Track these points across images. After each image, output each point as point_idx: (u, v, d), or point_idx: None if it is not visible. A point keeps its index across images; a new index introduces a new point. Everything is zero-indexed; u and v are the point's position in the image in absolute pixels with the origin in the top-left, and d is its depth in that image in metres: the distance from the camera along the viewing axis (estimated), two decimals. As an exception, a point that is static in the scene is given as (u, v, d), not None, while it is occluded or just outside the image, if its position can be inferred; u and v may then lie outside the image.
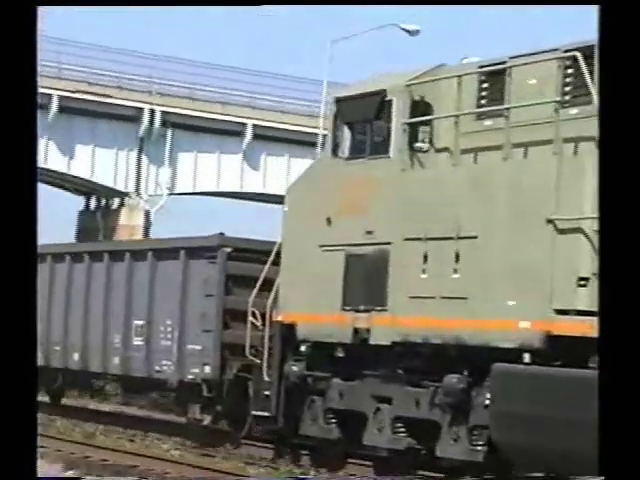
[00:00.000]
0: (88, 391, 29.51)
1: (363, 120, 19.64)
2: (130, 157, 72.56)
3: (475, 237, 17.23)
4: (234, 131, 73.53)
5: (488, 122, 17.89)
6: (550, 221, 16.04)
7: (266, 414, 21.19)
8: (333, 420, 20.25)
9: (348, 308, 19.22)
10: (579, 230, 15.90)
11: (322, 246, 19.83)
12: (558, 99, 16.72)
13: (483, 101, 17.99)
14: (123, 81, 72.50)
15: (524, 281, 16.36)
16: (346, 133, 20.03)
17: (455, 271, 17.53)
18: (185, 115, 72.57)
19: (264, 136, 74.44)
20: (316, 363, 20.41)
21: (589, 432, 14.54)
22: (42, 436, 22.86)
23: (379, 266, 18.81)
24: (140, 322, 24.83)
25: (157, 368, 24.26)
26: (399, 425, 19.02)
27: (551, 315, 16.02)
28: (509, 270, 16.67)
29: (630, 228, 7.03)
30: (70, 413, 28.60)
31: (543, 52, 17.32)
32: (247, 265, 23.13)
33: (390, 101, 18.99)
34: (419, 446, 19.04)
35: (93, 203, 74.10)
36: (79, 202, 76.07)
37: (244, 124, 72.82)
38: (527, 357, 16.25)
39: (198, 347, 23.21)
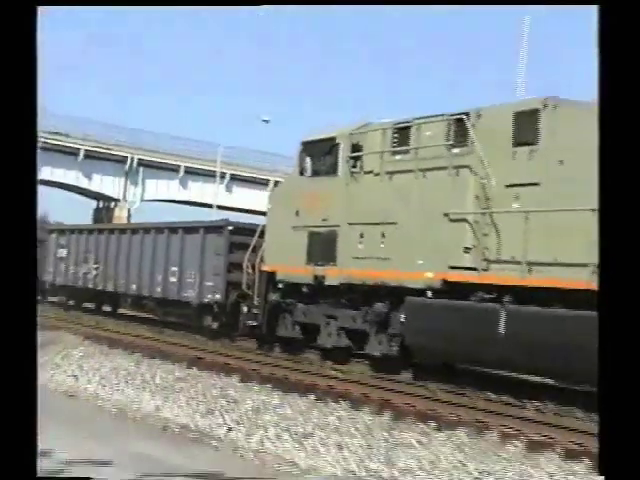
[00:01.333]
0: (139, 307, 28.65)
1: (320, 154, 19.54)
2: (120, 181, 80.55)
3: (395, 223, 17.17)
4: (174, 168, 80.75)
5: (399, 157, 17.83)
6: (446, 214, 16.04)
7: (255, 323, 21.38)
8: (297, 328, 20.24)
9: (310, 263, 19.23)
10: (464, 220, 15.96)
11: (293, 227, 19.74)
12: (449, 142, 16.50)
13: (396, 144, 17.84)
14: (119, 141, 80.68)
15: (429, 249, 16.31)
16: (308, 162, 19.86)
17: (382, 243, 17.49)
18: (149, 160, 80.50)
19: (191, 171, 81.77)
20: (287, 294, 20.29)
21: (465, 338, 14.98)
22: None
23: (331, 239, 18.77)
24: (174, 268, 24.73)
25: (184, 294, 24.20)
26: (341, 333, 18.92)
27: (446, 269, 16.05)
28: (419, 243, 16.57)
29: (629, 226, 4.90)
30: (122, 318, 28.33)
31: (435, 116, 17.21)
32: (241, 237, 22.82)
33: (338, 144, 18.97)
34: (353, 345, 19.03)
35: (101, 204, 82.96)
36: (93, 204, 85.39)
37: (179, 165, 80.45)
38: (429, 293, 16.26)
39: (211, 283, 23.07)
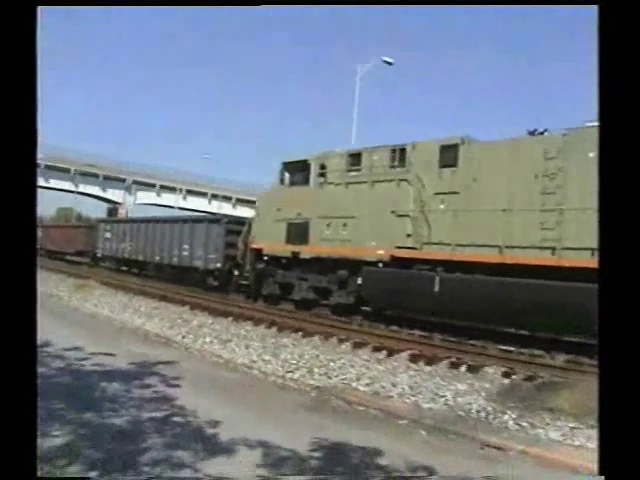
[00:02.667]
0: (159, 271, 25.04)
1: (296, 171, 17.14)
2: (121, 192, 76.25)
3: (354, 217, 15.19)
4: (153, 185, 77.01)
5: (353, 173, 15.52)
6: (393, 211, 14.17)
7: (247, 283, 18.88)
8: (277, 287, 17.83)
9: (289, 244, 16.88)
10: (406, 215, 14.05)
11: (276, 219, 17.29)
12: (393, 164, 14.55)
13: (352, 164, 15.56)
14: (121, 169, 76.74)
15: (381, 235, 14.34)
16: (287, 176, 17.52)
17: (344, 230, 15.37)
18: (139, 180, 76.41)
19: (163, 186, 77.31)
20: (270, 264, 17.79)
21: (409, 293, 13.33)
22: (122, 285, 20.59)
23: (304, 227, 16.43)
24: (186, 246, 21.89)
25: (194, 263, 21.44)
26: (310, 290, 16.72)
27: (394, 248, 14.10)
28: (372, 230, 14.61)
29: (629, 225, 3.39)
30: (146, 278, 25.02)
31: (382, 146, 15.08)
32: (233, 225, 20.31)
33: (310, 164, 16.69)
34: (319, 298, 16.80)
35: (111, 206, 73.92)
36: (106, 205, 76.24)
37: (155, 184, 76.65)
38: (381, 265, 14.38)
39: (213, 256, 20.32)
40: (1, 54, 3.33)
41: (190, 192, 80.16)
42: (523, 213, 12.25)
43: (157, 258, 23.45)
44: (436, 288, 13.19)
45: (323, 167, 16.62)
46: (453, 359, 11.14)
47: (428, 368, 10.73)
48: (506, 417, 7.99)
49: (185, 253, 22.04)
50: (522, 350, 12.08)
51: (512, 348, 12.26)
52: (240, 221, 20.56)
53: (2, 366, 3.25)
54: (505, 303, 11.89)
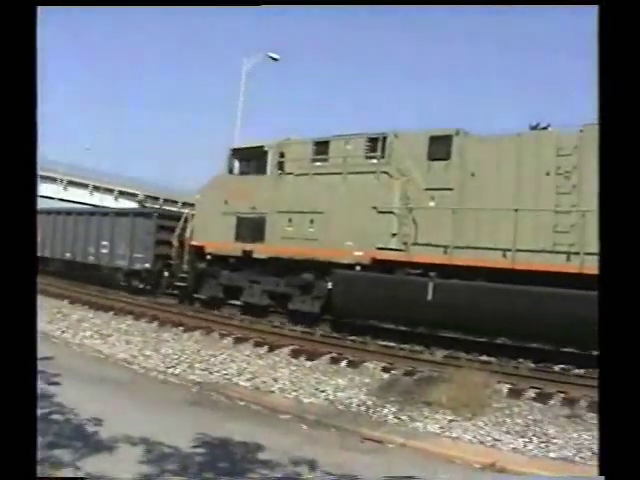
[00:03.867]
0: (69, 270, 21.74)
1: (248, 159, 15.24)
2: None
3: (322, 212, 13.52)
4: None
5: (319, 163, 14.04)
6: (374, 207, 12.76)
7: (183, 284, 16.67)
8: (220, 289, 15.90)
9: (239, 241, 14.98)
10: (391, 212, 12.71)
11: (222, 213, 15.30)
12: (369, 155, 13.24)
13: (318, 153, 14.06)
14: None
15: (358, 234, 12.80)
16: (236, 164, 15.56)
17: (310, 227, 13.70)
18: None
19: (46, 177, 63.75)
20: (213, 264, 15.82)
21: (386, 302, 12.14)
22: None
23: (259, 223, 14.58)
24: (105, 243, 19.17)
25: (116, 262, 18.77)
26: (264, 294, 14.88)
27: (374, 250, 12.66)
28: (347, 228, 13.04)
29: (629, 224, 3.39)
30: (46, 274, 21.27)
31: (355, 134, 13.67)
32: (164, 221, 17.93)
33: (267, 151, 14.86)
34: (273, 303, 15.10)
35: None
36: None
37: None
38: (358, 268, 12.93)
39: (141, 255, 17.73)
40: (1, 54, 3.35)
41: (71, 183, 74.45)
42: (532, 214, 11.25)
43: (67, 255, 20.21)
44: (429, 296, 11.98)
45: (282, 155, 15.03)
46: (334, 354, 11.48)
47: (309, 363, 10.99)
48: (386, 411, 8.34)
49: (104, 251, 19.12)
50: (402, 346, 12.48)
51: (392, 344, 12.66)
52: (173, 215, 18.10)
53: (2, 366, 3.26)
54: (515, 314, 10.97)
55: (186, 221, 16.79)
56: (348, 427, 7.55)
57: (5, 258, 3.29)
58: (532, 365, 11.09)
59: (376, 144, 13.49)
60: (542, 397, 9.10)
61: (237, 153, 15.65)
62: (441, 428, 7.68)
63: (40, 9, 3.48)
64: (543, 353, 11.65)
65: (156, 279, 18.01)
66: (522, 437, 7.46)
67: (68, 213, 20.20)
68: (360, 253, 13.04)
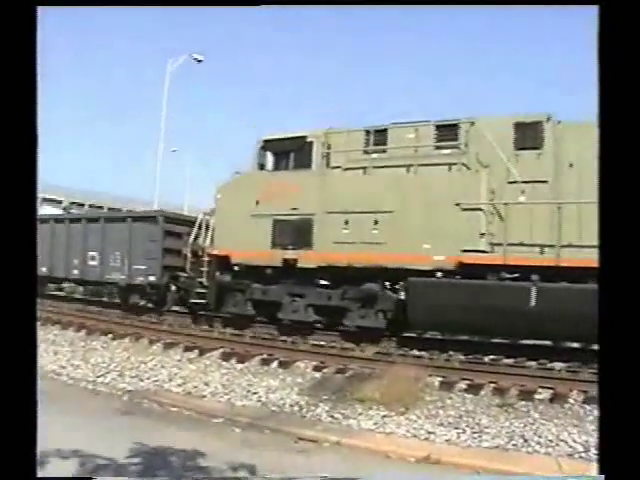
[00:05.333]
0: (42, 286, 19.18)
1: (286, 151, 13.91)
2: None
3: (391, 212, 12.45)
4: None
5: (376, 155, 13.02)
6: (457, 204, 11.84)
7: (202, 301, 15.03)
8: (249, 305, 14.53)
9: (276, 248, 13.70)
10: (478, 209, 11.85)
11: (252, 216, 13.91)
12: (443, 144, 12.47)
13: (374, 143, 13.06)
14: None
15: (438, 235, 11.85)
16: (269, 158, 14.18)
17: (374, 229, 12.57)
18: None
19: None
20: (240, 277, 14.45)
21: (478, 312, 11.44)
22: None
23: (304, 226, 13.34)
24: (94, 254, 17.33)
25: (109, 276, 16.86)
26: (310, 309, 13.75)
27: (459, 252, 11.77)
28: (424, 229, 12.05)
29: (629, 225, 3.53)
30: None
31: (423, 122, 12.81)
32: (175, 226, 16.45)
33: (311, 142, 13.61)
34: (320, 319, 13.97)
35: None
36: None
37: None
38: (439, 274, 11.94)
39: (144, 267, 15.94)
40: (1, 54, 3.48)
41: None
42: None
43: (43, 270, 17.61)
44: (532, 303, 11.39)
45: (329, 147, 13.97)
46: (264, 356, 11.91)
47: (240, 366, 11.41)
48: (319, 410, 8.79)
49: (92, 263, 17.06)
50: (333, 344, 12.95)
51: (323, 342, 13.14)
52: (183, 219, 16.50)
53: (2, 366, 3.40)
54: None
55: (200, 227, 15.40)
56: (282, 428, 7.95)
57: (5, 260, 3.41)
58: (462, 357, 11.76)
59: (448, 132, 12.62)
60: (473, 388, 9.68)
61: (270, 145, 14.18)
62: (375, 424, 8.16)
63: (40, 9, 3.59)
64: (472, 344, 12.78)
65: (162, 294, 16.32)
66: (455, 428, 7.98)
67: (43, 221, 17.97)
68: (441, 257, 12.14)
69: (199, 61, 33.26)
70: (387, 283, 12.97)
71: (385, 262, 12.57)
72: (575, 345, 12.28)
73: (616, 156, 3.48)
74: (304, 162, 13.75)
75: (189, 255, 15.16)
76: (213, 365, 11.48)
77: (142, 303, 16.62)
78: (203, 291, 14.83)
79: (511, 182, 11.88)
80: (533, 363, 11.40)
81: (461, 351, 12.15)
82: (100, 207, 36.36)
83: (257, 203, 14.08)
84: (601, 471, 3.40)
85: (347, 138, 13.57)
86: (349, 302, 13.22)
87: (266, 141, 14.27)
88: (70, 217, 18.66)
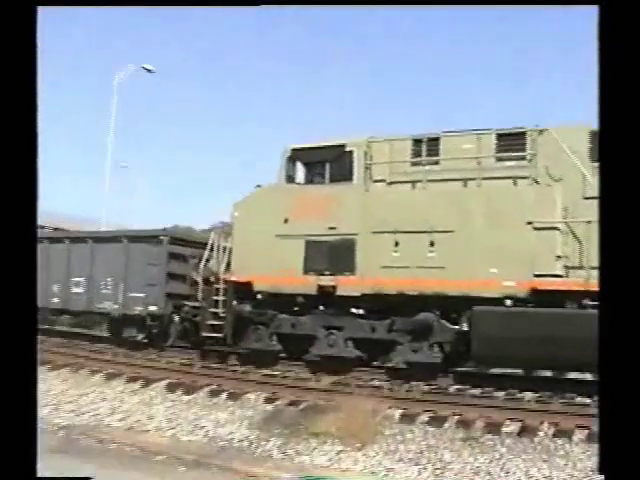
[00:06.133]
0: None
1: (321, 161, 12.70)
2: None
3: (450, 231, 11.41)
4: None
5: (426, 167, 11.94)
6: (529, 222, 10.95)
7: (219, 335, 13.45)
8: (275, 339, 13.25)
9: (310, 273, 12.43)
10: (554, 228, 10.99)
11: (279, 236, 12.66)
12: (506, 155, 11.60)
13: (421, 155, 12.11)
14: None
15: (507, 258, 10.86)
16: (299, 169, 12.95)
17: (431, 251, 11.49)
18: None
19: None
20: (262, 306, 13.14)
21: (556, 345, 10.54)
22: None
23: (344, 248, 12.15)
24: (79, 279, 15.75)
25: (99, 305, 15.20)
26: (350, 343, 12.52)
27: (532, 277, 10.86)
28: (490, 251, 11.04)
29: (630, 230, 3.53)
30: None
31: (482, 130, 11.85)
32: (180, 248, 15.01)
33: (351, 151, 12.42)
34: (362, 355, 12.67)
35: None
36: None
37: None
38: (509, 302, 10.91)
39: (142, 294, 14.35)
40: (1, 54, 3.54)
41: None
42: None
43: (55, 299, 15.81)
44: (623, 335, 10.57)
45: (371, 157, 12.62)
46: (213, 386, 11.64)
47: (187, 397, 11.15)
48: (270, 445, 8.54)
49: (77, 290, 15.29)
50: (287, 374, 12.57)
51: (276, 372, 12.77)
52: (191, 240, 15.01)
53: (2, 366, 3.46)
54: None
55: (212, 249, 13.99)
56: (230, 465, 7.75)
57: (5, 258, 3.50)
58: (425, 388, 11.37)
59: (512, 142, 11.71)
60: (436, 421, 9.39)
61: (302, 155, 12.88)
62: (329, 460, 7.94)
63: (40, 9, 3.70)
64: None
65: (164, 327, 14.70)
66: (416, 464, 7.73)
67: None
68: (511, 283, 11.13)
69: (149, 71, 33.30)
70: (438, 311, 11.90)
71: (444, 289, 11.49)
72: (547, 374, 12.21)
73: (616, 158, 3.51)
74: (343, 174, 12.54)
75: (200, 281, 13.70)
76: (158, 397, 11.25)
77: (140, 337, 14.93)
78: (217, 323, 13.40)
79: (587, 198, 11.09)
80: (501, 393, 11.07)
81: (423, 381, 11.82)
82: (42, 227, 33.96)
83: (285, 221, 12.80)
84: (601, 471, 3.46)
85: (391, 148, 12.50)
86: (398, 334, 12.07)
87: (295, 150, 12.99)
88: (50, 236, 16.73)
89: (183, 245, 14.84)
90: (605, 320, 3.54)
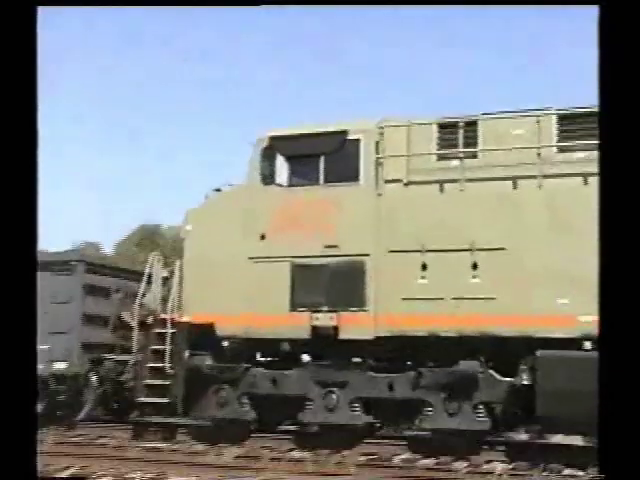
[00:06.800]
0: None
1: (313, 154, 9.70)
2: None
3: (502, 249, 8.70)
4: None
5: (457, 162, 9.21)
6: (615, 237, 8.92)
7: (162, 400, 9.92)
8: (247, 403, 9.87)
9: (300, 308, 9.37)
10: (651, 245, 9.06)
11: (254, 258, 9.57)
12: (575, 143, 8.85)
13: (455, 145, 9.29)
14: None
15: (584, 284, 7.92)
16: (283, 166, 9.79)
17: (473, 276, 8.74)
18: None
19: None
20: (227, 356, 9.97)
21: None
22: None
23: (350, 274, 9.19)
24: None
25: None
26: (358, 406, 9.42)
27: None
28: (558, 275, 8.45)
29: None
30: None
31: (530, 110, 9.19)
32: (102, 278, 11.50)
33: (357, 140, 9.48)
34: (376, 421, 9.69)
35: None
36: None
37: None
38: (588, 344, 8.32)
39: (44, 347, 10.79)
40: (1, 54, 3.74)
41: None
42: None
43: None
44: None
45: (378, 146, 9.47)
46: (74, 469, 8.56)
47: None
48: None
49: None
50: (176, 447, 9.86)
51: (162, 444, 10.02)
52: (115, 267, 11.74)
53: (2, 367, 3.63)
54: None
55: (151, 279, 10.53)
56: None
57: (5, 260, 3.71)
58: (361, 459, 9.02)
59: (581, 126, 9.13)
60: None
61: (284, 146, 9.71)
62: None
63: (40, 9, 3.98)
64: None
65: (76, 392, 11.03)
66: None
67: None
68: (590, 318, 8.43)
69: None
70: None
71: (493, 328, 8.62)
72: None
73: (617, 154, 3.73)
74: (344, 172, 9.42)
75: (135, 325, 10.25)
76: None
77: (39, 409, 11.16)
78: (159, 383, 9.94)
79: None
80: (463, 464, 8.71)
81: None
82: None
83: (262, 238, 9.58)
84: (601, 472, 3.71)
85: (409, 135, 9.64)
86: (427, 392, 9.06)
87: (275, 139, 9.77)
88: None
89: (105, 274, 11.33)
90: (605, 320, 3.94)
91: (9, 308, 3.62)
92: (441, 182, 9.31)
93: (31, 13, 3.81)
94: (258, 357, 10.02)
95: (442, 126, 9.51)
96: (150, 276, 10.48)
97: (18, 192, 3.68)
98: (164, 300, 10.49)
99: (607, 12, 3.74)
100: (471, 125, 9.35)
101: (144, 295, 10.45)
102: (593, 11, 3.81)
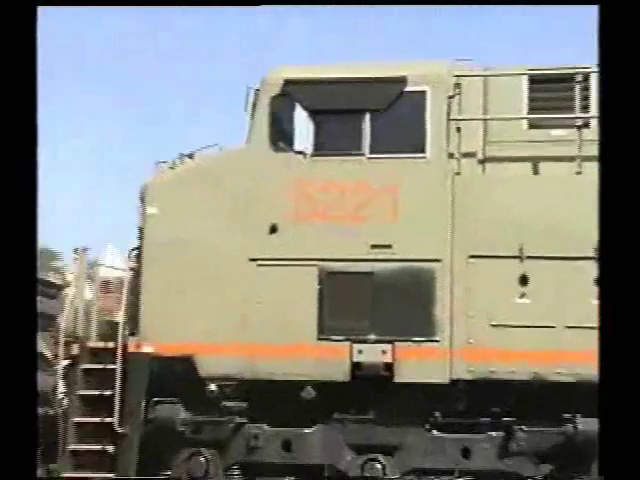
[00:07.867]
0: None
1: (352, 109, 7.10)
2: None
3: (637, 257, 6.96)
4: None
5: (563, 132, 7.03)
6: None
7: (107, 477, 6.86)
8: (236, 475, 7.07)
9: (337, 337, 6.84)
10: None
11: (257, 260, 6.95)
12: None
13: (553, 107, 7.13)
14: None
15: None
16: (303, 124, 7.00)
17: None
18: None
19: None
20: (212, 406, 6.97)
21: None
22: None
23: (410, 287, 6.77)
24: None
25: None
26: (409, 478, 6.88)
27: None
28: None
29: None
30: None
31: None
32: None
33: (422, 92, 7.00)
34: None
35: None
36: None
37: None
38: None
39: None
40: (1, 54, 3.86)
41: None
42: None
43: None
44: None
45: (449, 102, 7.12)
46: None
47: None
48: None
49: None
50: None
51: None
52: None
53: (2, 368, 3.69)
54: None
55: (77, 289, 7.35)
56: None
57: (5, 261, 3.76)
58: None
59: None
60: None
61: (306, 94, 6.93)
62: None
63: (40, 9, 4.14)
64: None
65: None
66: None
67: None
68: None
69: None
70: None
71: None
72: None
73: (617, 155, 3.79)
74: (403, 139, 6.95)
75: (60, 356, 7.18)
76: None
77: None
78: (94, 448, 6.95)
79: None
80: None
81: None
82: None
83: (272, 230, 6.88)
84: (601, 472, 3.83)
85: (486, 89, 7.28)
86: (523, 462, 6.73)
87: (292, 83, 7.11)
88: None
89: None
90: (605, 321, 3.82)
91: (9, 308, 3.66)
92: (533, 160, 7.05)
93: (31, 13, 3.99)
94: (259, 407, 7.18)
95: (533, 80, 7.22)
96: (77, 284, 7.40)
97: (17, 189, 3.80)
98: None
99: (607, 12, 3.88)
100: (581, 81, 7.13)
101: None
102: (593, 11, 4.00)
